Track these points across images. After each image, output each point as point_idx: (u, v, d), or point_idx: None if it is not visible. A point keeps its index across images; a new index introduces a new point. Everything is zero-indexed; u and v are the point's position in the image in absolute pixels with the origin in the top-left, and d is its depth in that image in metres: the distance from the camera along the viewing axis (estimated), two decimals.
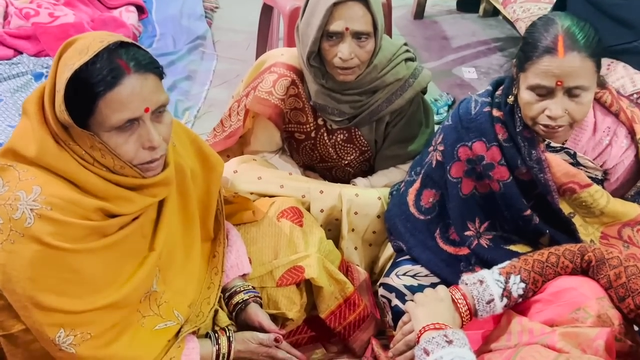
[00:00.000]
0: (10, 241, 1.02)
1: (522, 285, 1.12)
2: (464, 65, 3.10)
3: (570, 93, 1.19)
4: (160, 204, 1.21)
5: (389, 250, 1.64)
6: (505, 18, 3.63)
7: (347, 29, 1.48)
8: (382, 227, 1.65)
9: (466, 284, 1.14)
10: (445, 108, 2.65)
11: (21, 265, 1.02)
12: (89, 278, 1.07)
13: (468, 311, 1.12)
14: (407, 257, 1.53)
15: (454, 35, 3.44)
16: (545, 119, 1.20)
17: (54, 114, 1.03)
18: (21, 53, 2.79)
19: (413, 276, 1.48)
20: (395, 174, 1.73)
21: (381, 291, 1.51)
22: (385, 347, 1.47)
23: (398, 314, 1.41)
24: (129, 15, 3.09)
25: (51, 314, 1.05)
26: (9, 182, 1.04)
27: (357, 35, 1.50)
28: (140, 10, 3.22)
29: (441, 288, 1.15)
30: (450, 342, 0.98)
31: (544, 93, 1.20)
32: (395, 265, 1.54)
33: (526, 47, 1.24)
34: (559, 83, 1.18)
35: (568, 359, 0.96)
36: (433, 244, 1.45)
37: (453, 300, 1.12)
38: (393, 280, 1.48)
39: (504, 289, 1.12)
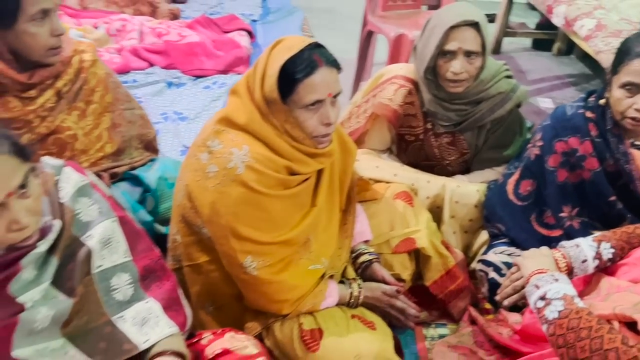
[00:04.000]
0: (222, 185, 1.36)
1: (612, 250, 1.38)
2: (540, 96, 3.37)
3: None
4: (319, 174, 1.54)
5: (482, 237, 1.93)
6: (578, 56, 3.90)
7: (460, 48, 1.80)
8: (478, 215, 1.93)
9: (564, 247, 1.41)
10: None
11: (228, 203, 1.35)
12: (274, 218, 1.40)
13: (566, 268, 1.38)
14: (502, 240, 1.81)
15: (530, 69, 3.73)
16: (633, 112, 1.49)
17: (262, 93, 1.36)
18: (152, 65, 3.26)
19: (509, 255, 1.75)
20: (490, 174, 2.01)
21: (479, 266, 1.79)
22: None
23: (494, 285, 1.68)
24: (241, 39, 3.53)
25: (244, 243, 1.38)
26: (223, 141, 1.39)
27: (468, 54, 1.81)
28: (250, 34, 3.68)
29: (544, 248, 1.42)
30: (556, 280, 1.25)
31: (634, 90, 1.49)
32: (491, 246, 1.82)
33: (620, 54, 1.54)
34: None
35: None
36: (528, 226, 1.73)
37: (554, 259, 1.39)
38: (491, 256, 1.76)
39: (596, 252, 1.38)
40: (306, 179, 1.47)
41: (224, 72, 3.18)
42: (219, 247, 1.42)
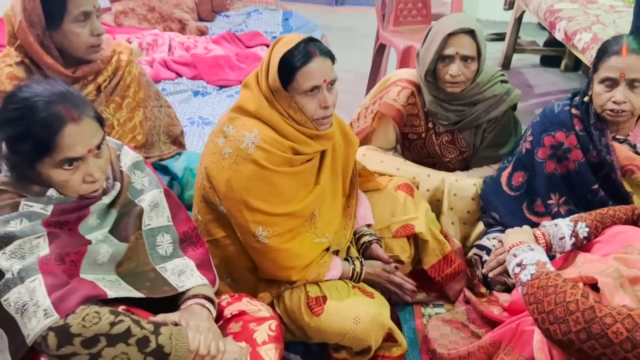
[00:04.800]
0: (236, 163, 1.55)
1: (587, 229, 1.53)
2: None
3: (631, 85, 1.65)
4: (322, 157, 1.72)
5: (479, 228, 2.08)
6: (584, 72, 4.05)
7: (457, 53, 1.99)
8: (475, 208, 2.09)
9: (544, 226, 1.56)
10: None
11: (241, 179, 1.54)
12: (281, 192, 1.58)
13: (545, 244, 1.53)
14: (496, 228, 1.96)
15: (537, 84, 3.89)
16: (611, 105, 1.66)
17: (267, 83, 1.56)
18: (180, 76, 3.52)
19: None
20: (487, 171, 2.17)
21: (474, 250, 1.94)
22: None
23: None
24: (262, 53, 3.78)
25: (255, 214, 1.56)
26: (237, 126, 1.59)
27: (464, 58, 2.00)
28: None
29: (526, 226, 1.57)
30: (532, 249, 1.40)
31: (611, 84, 1.65)
32: (486, 233, 1.97)
33: (600, 53, 1.71)
34: (622, 75, 1.63)
35: (617, 269, 1.35)
36: (520, 214, 1.90)
37: (534, 236, 1.54)
38: (485, 241, 1.92)
39: (573, 231, 1.53)
40: (309, 160, 1.66)
41: None
42: (234, 219, 1.60)
